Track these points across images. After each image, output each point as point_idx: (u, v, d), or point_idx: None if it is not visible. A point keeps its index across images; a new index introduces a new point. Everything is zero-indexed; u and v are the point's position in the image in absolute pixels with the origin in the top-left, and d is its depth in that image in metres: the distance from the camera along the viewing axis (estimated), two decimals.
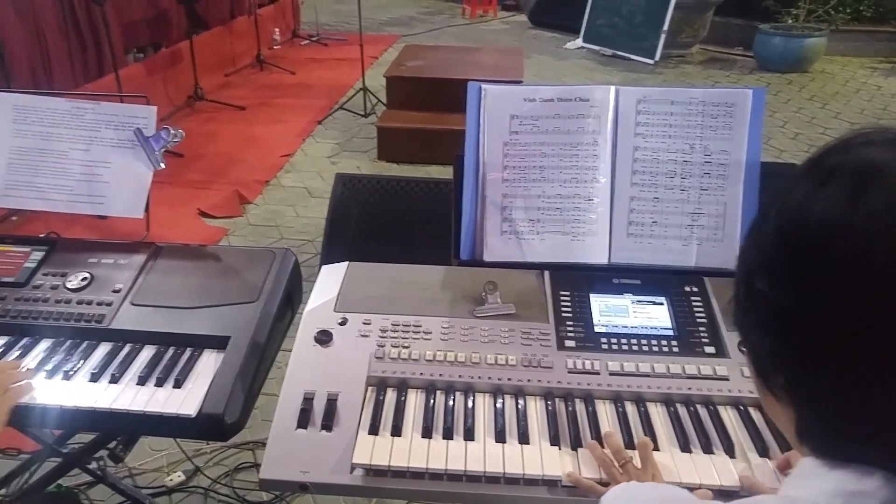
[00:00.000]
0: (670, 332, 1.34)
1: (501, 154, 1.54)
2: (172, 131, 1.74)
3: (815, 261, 0.57)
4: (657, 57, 7.25)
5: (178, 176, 4.36)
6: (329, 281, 1.48)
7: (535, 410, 1.21)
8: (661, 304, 1.40)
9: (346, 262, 1.52)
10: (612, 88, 1.54)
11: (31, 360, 1.39)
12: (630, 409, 1.22)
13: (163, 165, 1.73)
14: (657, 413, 1.21)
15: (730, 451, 1.14)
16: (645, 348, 1.31)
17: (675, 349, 1.31)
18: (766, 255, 0.63)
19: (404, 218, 2.34)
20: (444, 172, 4.31)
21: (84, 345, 1.43)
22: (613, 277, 1.46)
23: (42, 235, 1.71)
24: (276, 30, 7.88)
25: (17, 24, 4.17)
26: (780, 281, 0.60)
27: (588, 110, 1.54)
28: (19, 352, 1.41)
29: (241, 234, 3.93)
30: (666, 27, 7.15)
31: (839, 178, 0.57)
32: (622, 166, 1.53)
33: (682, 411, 1.21)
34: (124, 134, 1.73)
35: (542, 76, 6.85)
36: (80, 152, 1.74)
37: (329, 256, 2.16)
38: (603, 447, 1.12)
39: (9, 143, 1.75)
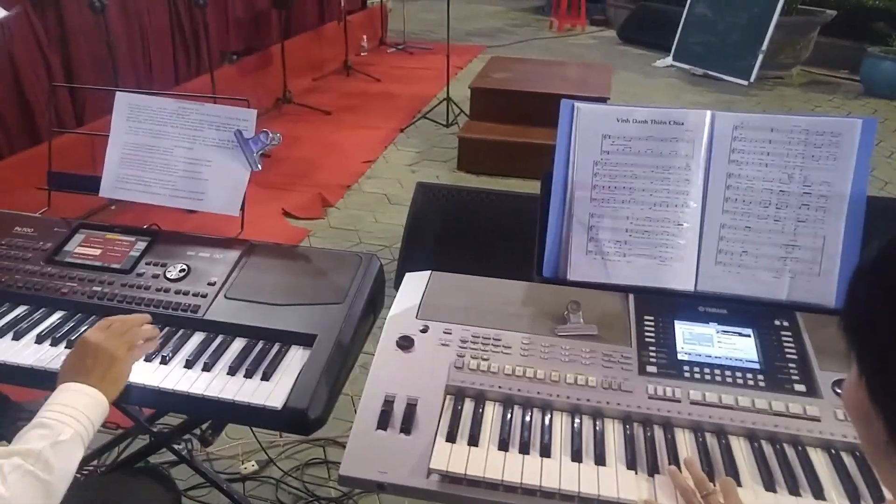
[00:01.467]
0: (757, 366, 1.31)
1: (591, 173, 1.54)
2: (271, 135, 1.81)
3: None
4: (752, 78, 6.97)
5: (263, 176, 4.48)
6: (412, 288, 1.51)
7: (613, 433, 1.21)
8: (748, 335, 1.37)
9: (429, 272, 1.55)
10: (708, 113, 1.52)
11: None
12: (710, 440, 1.20)
13: (259, 167, 1.80)
14: (739, 447, 1.19)
15: (818, 494, 1.09)
16: (729, 379, 1.28)
17: (762, 383, 1.27)
18: None
19: (482, 229, 2.35)
20: (524, 186, 4.36)
21: (180, 332, 1.51)
22: (699, 305, 1.44)
23: (146, 226, 1.80)
24: (364, 37, 8.04)
25: (125, 25, 4.42)
26: None
27: (682, 134, 1.52)
28: None
29: (322, 235, 4.04)
30: (765, 47, 6.85)
31: None
32: (714, 192, 1.51)
33: (768, 448, 1.18)
34: (225, 134, 1.80)
35: (629, 94, 6.75)
36: (184, 150, 1.82)
37: (407, 263, 2.20)
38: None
39: (123, 139, 1.86)
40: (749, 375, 1.29)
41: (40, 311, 1.56)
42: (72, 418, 1.15)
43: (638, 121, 1.54)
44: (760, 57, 6.89)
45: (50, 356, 1.43)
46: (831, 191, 1.46)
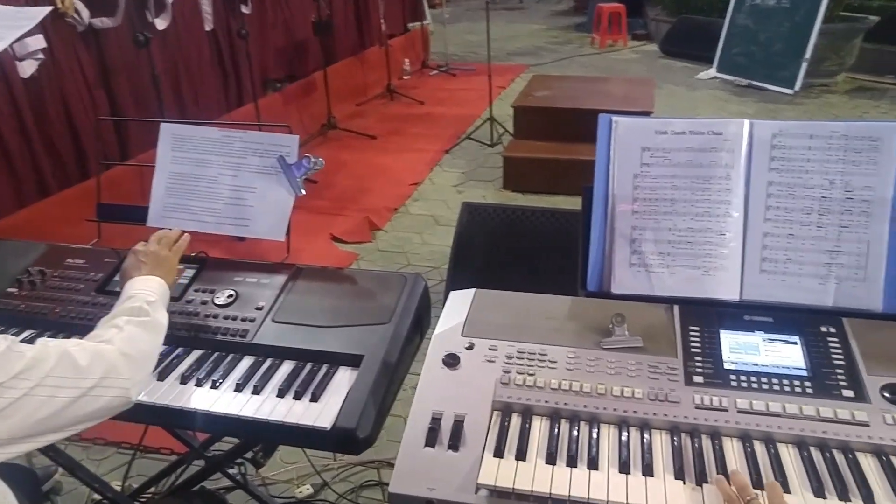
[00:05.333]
0: (804, 373, 1.29)
1: (631, 186, 1.55)
2: (313, 159, 1.85)
3: None
4: (797, 87, 6.90)
5: (310, 202, 4.59)
6: (457, 306, 1.52)
7: (661, 444, 1.20)
8: (795, 343, 1.35)
9: (474, 289, 1.56)
10: (747, 122, 1.52)
11: (183, 368, 1.52)
12: (759, 448, 1.18)
13: (303, 192, 1.84)
14: (788, 455, 1.17)
15: (869, 499, 1.08)
16: (776, 388, 1.27)
17: (809, 390, 1.26)
18: None
19: (529, 247, 2.37)
20: (571, 203, 4.35)
21: (229, 357, 1.54)
22: (745, 314, 1.43)
23: (193, 255, 1.84)
24: (406, 60, 8.17)
25: (169, 58, 4.58)
26: None
27: (721, 144, 1.52)
28: (175, 360, 1.53)
29: (371, 259, 4.10)
30: (808, 55, 6.80)
31: None
32: (755, 201, 1.50)
33: (817, 455, 1.16)
34: (268, 161, 1.84)
35: (673, 107, 6.70)
36: (229, 177, 1.87)
37: (454, 282, 2.22)
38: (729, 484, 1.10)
39: (168, 169, 1.91)
40: (797, 383, 1.28)
41: None
42: (149, 291, 1.42)
43: (676, 132, 1.55)
44: (804, 65, 6.83)
45: None
46: (873, 195, 1.44)
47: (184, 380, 1.48)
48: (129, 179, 3.52)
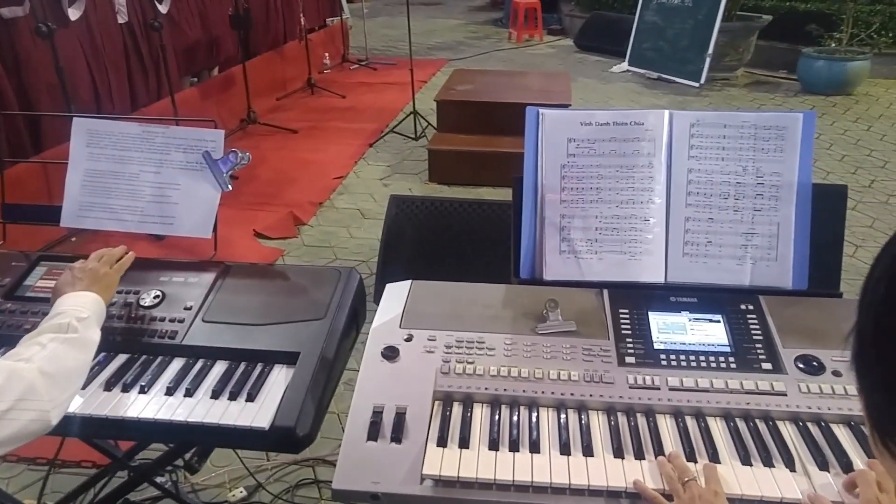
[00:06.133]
0: (727, 349, 1.36)
1: (559, 176, 1.59)
2: (240, 154, 1.81)
3: None
4: (703, 80, 7.27)
5: (232, 197, 4.45)
6: (393, 299, 1.52)
7: (598, 424, 1.24)
8: (718, 321, 1.42)
9: (410, 281, 1.57)
10: (666, 113, 1.58)
11: (108, 374, 1.44)
12: (690, 423, 1.24)
13: (230, 188, 1.80)
14: (717, 427, 1.24)
15: (790, 464, 1.16)
16: (703, 364, 1.33)
17: (733, 365, 1.33)
18: None
19: (457, 238, 2.39)
20: (495, 194, 4.43)
21: (158, 360, 1.48)
22: (671, 296, 1.49)
23: None
24: (327, 54, 8.09)
25: (78, 50, 4.38)
26: None
27: (643, 134, 1.58)
28: (96, 367, 1.45)
29: (296, 254, 4.03)
30: (711, 51, 7.18)
31: None
32: (677, 188, 1.57)
33: (742, 426, 1.23)
34: (193, 157, 1.79)
35: (588, 99, 6.89)
36: (151, 174, 1.80)
37: (385, 275, 2.22)
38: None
39: (84, 167, 1.82)
40: (721, 359, 1.35)
41: (1, 349, 1.48)
42: (81, 307, 1.33)
43: (600, 123, 1.59)
44: (707, 60, 7.20)
45: None
46: (781, 180, 1.54)
47: (108, 386, 1.41)
48: (36, 178, 3.34)
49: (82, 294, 1.37)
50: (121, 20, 4.79)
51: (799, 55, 7.22)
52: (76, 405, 1.35)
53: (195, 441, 1.61)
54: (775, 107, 6.79)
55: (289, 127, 6.00)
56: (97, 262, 1.50)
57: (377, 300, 1.55)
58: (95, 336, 1.31)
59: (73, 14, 4.21)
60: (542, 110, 1.62)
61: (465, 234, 2.39)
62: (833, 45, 7.04)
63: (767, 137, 1.55)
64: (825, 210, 1.55)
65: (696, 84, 7.29)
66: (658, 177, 1.57)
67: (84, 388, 1.39)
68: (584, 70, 8.25)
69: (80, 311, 1.31)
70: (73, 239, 3.62)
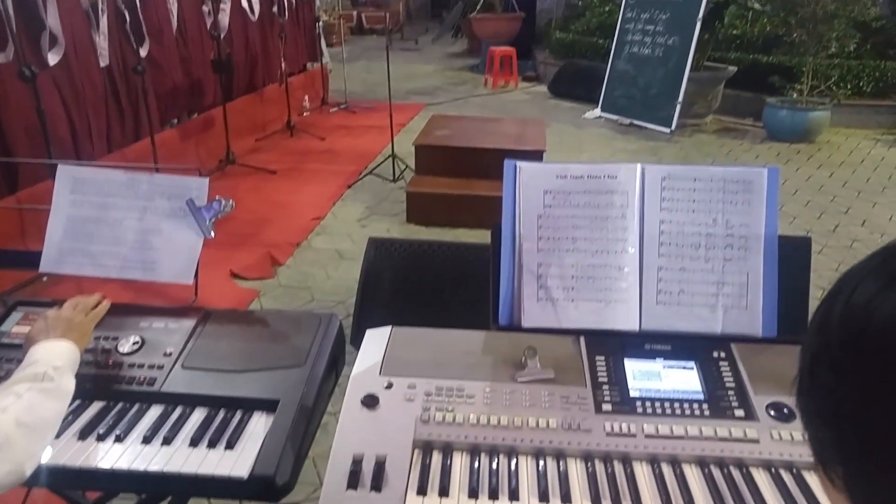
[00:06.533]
0: (701, 396, 1.40)
1: (536, 226, 1.63)
2: (224, 202, 1.83)
3: (881, 361, 0.56)
4: (674, 126, 7.47)
5: (209, 238, 4.47)
6: (373, 345, 1.53)
7: (576, 472, 1.26)
8: (692, 368, 1.46)
9: (390, 327, 1.58)
10: (638, 166, 1.64)
11: (82, 422, 1.42)
12: (666, 469, 1.26)
13: (213, 234, 1.82)
14: (692, 474, 1.26)
15: None
16: (678, 411, 1.36)
17: (707, 412, 1.36)
18: (832, 349, 0.61)
19: (435, 280, 2.40)
20: (472, 236, 4.47)
21: (135, 407, 1.45)
22: (645, 343, 1.52)
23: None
24: (306, 97, 8.17)
25: (57, 93, 4.39)
26: (844, 376, 0.59)
27: (616, 186, 1.63)
28: (70, 416, 1.41)
29: (273, 295, 4.01)
30: (681, 98, 7.41)
31: None
32: (649, 238, 1.62)
33: (717, 473, 1.26)
34: (177, 203, 1.80)
35: (563, 144, 7.02)
36: (134, 221, 1.80)
37: (363, 318, 2.22)
38: None
39: (66, 213, 1.82)
40: (695, 405, 1.38)
41: None
42: (55, 356, 1.33)
43: (575, 176, 1.65)
44: (678, 107, 7.43)
45: None
46: (749, 231, 1.60)
47: (83, 435, 1.38)
48: (11, 217, 3.33)
49: (56, 342, 1.37)
50: (102, 63, 4.81)
51: (764, 104, 7.50)
52: (47, 455, 1.32)
53: (170, 491, 1.57)
54: (743, 153, 7.01)
55: (267, 168, 6.03)
56: (72, 309, 1.50)
57: (355, 343, 1.55)
58: (70, 385, 1.31)
59: (52, 59, 4.23)
60: (519, 164, 1.67)
61: (443, 277, 2.41)
62: (795, 95, 7.32)
63: (735, 191, 1.61)
64: (791, 260, 1.61)
65: (668, 130, 7.49)
66: (631, 227, 1.62)
67: (58, 436, 1.36)
68: (559, 116, 8.42)
69: (54, 360, 1.31)
70: (45, 279, 3.58)
